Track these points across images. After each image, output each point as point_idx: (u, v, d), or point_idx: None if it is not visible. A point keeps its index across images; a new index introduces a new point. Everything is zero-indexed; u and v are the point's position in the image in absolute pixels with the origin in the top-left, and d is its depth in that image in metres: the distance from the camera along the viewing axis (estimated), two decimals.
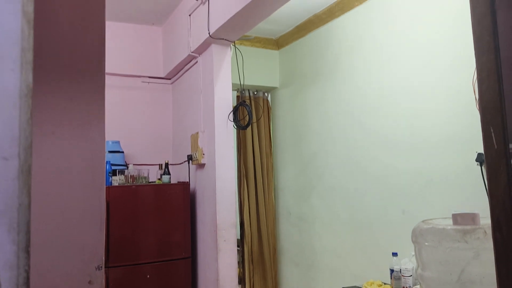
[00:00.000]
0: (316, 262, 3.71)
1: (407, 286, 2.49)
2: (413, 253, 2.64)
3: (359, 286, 2.78)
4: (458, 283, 1.06)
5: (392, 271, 2.59)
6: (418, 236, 1.17)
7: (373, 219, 3.07)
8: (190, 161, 3.43)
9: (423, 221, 1.20)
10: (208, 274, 3.05)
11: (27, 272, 0.53)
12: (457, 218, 1.10)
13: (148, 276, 2.98)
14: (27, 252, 0.54)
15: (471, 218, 1.08)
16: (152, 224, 3.08)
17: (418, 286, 2.47)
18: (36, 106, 1.36)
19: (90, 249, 1.34)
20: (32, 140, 1.34)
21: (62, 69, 1.39)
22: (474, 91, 2.40)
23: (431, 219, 1.22)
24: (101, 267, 1.38)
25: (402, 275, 2.51)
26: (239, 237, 4.12)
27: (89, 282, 1.37)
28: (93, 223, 1.35)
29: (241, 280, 4.29)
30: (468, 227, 1.05)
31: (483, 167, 2.30)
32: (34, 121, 1.34)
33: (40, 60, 1.34)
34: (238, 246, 4.40)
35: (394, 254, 2.66)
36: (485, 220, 1.12)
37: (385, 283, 2.66)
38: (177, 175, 3.81)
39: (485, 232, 1.01)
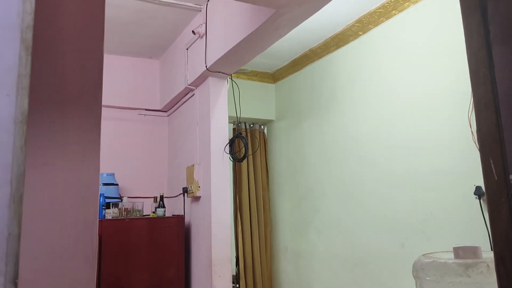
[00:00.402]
0: None
1: None
2: None
3: None
4: None
5: None
6: (419, 270, 1.14)
7: (372, 254, 3.01)
8: (186, 194, 3.40)
9: (423, 255, 1.18)
10: None
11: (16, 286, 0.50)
12: (459, 252, 1.07)
13: None
14: (15, 284, 0.51)
15: (472, 251, 1.06)
16: (145, 259, 3.01)
17: None
18: (29, 136, 1.35)
19: (81, 286, 1.29)
20: (27, 172, 1.31)
21: (58, 100, 1.38)
22: (470, 125, 2.41)
23: (431, 253, 1.20)
24: None
25: None
26: (234, 273, 4.03)
27: None
28: (84, 260, 1.31)
29: None
30: (470, 260, 1.03)
31: (481, 200, 2.28)
32: (26, 151, 1.32)
33: (37, 89, 1.33)
34: (233, 283, 4.29)
35: None
36: (487, 253, 1.09)
37: None
38: (172, 208, 3.75)
39: (488, 266, 0.99)
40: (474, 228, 2.31)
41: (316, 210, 3.66)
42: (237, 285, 4.03)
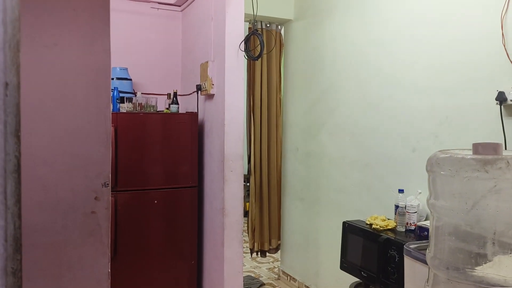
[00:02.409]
0: (321, 198, 3.75)
1: (411, 222, 2.51)
2: (420, 190, 2.65)
3: (363, 220, 2.81)
4: (472, 213, 1.04)
5: (397, 207, 2.61)
6: (434, 165, 1.13)
7: (382, 157, 3.04)
8: (199, 92, 3.37)
9: (440, 151, 1.16)
10: (214, 204, 3.10)
11: (18, 159, 0.49)
12: (478, 148, 1.05)
13: (155, 202, 3.03)
14: (17, 137, 0.50)
15: (493, 148, 1.03)
16: (160, 152, 3.09)
17: (423, 221, 2.49)
18: (37, 16, 1.29)
19: (96, 166, 1.32)
20: (35, 51, 1.27)
21: None
22: (502, 26, 2.26)
23: (448, 149, 1.18)
24: (108, 184, 1.38)
25: (407, 211, 2.53)
26: (246, 172, 4.16)
27: (96, 198, 1.36)
28: (98, 141, 1.33)
29: (246, 213, 4.39)
30: (490, 157, 1.01)
31: (502, 106, 2.22)
32: (35, 31, 1.26)
33: None
34: (244, 181, 4.46)
35: (400, 191, 2.66)
36: (508, 152, 1.07)
37: (389, 219, 2.69)
38: (185, 105, 3.76)
39: (508, 162, 0.97)
40: (490, 134, 2.28)
41: (330, 113, 3.64)
42: (248, 184, 4.19)
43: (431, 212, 1.19)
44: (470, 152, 1.08)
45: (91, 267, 1.47)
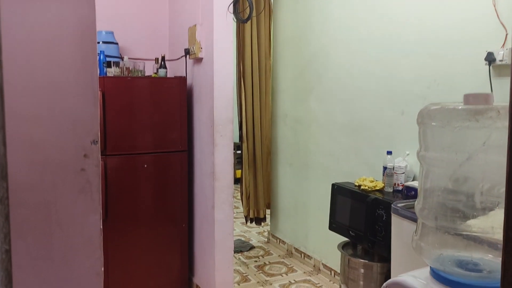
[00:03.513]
0: (310, 162, 3.78)
1: (399, 182, 2.55)
2: (408, 152, 2.68)
3: (352, 182, 2.85)
4: (462, 164, 1.05)
5: (385, 168, 2.64)
6: (425, 116, 1.13)
7: (371, 120, 3.06)
8: (188, 56, 3.31)
9: (431, 103, 1.16)
10: (204, 168, 3.10)
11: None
12: (469, 98, 1.05)
13: (145, 166, 3.03)
14: (0, 90, 0.48)
15: (484, 98, 1.04)
16: (149, 117, 3.06)
17: (411, 182, 2.54)
18: None
19: (84, 124, 1.30)
20: (17, 5, 1.22)
21: None
22: None
23: (439, 102, 1.18)
24: (97, 142, 1.36)
25: (395, 172, 2.57)
26: (237, 140, 4.15)
27: (84, 156, 1.35)
28: (86, 98, 1.30)
29: (237, 181, 4.41)
30: (481, 106, 1.02)
31: (491, 66, 2.22)
32: None
33: None
34: (236, 149, 4.45)
35: (389, 153, 2.69)
36: (499, 103, 1.08)
37: (377, 180, 2.72)
38: (173, 71, 3.70)
39: (499, 111, 0.98)
40: None
41: (319, 78, 3.62)
42: (240, 151, 4.18)
43: (421, 164, 1.20)
44: (462, 104, 1.09)
45: (83, 224, 1.46)
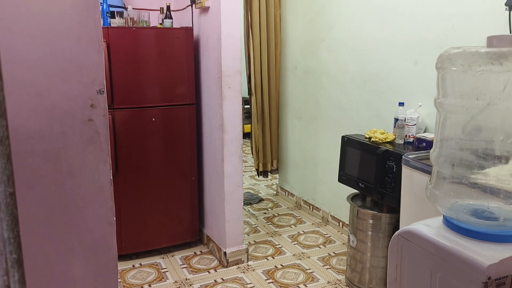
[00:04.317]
0: (320, 115, 3.73)
1: (410, 134, 2.51)
2: (420, 103, 2.62)
3: (362, 134, 2.82)
4: (483, 109, 1.01)
5: (396, 120, 2.60)
6: (445, 61, 1.08)
7: (383, 71, 2.97)
8: (193, 5, 3.20)
9: (451, 47, 1.10)
10: (212, 121, 3.07)
11: None
12: (493, 41, 0.99)
13: (153, 119, 3.00)
14: None
15: (509, 40, 0.98)
16: (155, 69, 3.00)
17: (422, 134, 2.50)
18: None
19: (90, 72, 1.26)
20: None
21: None
22: None
23: (460, 46, 1.12)
24: (103, 91, 1.32)
25: (406, 124, 2.52)
26: (245, 95, 4.09)
27: (92, 106, 1.32)
28: (90, 45, 1.25)
29: (248, 135, 4.38)
30: (505, 49, 0.96)
31: (511, 12, 2.11)
32: None
33: None
34: (246, 103, 4.39)
35: (401, 104, 2.63)
36: None
37: (388, 132, 2.69)
38: (179, 21, 3.59)
39: None
40: None
41: (329, 28, 3.50)
42: (248, 105, 4.12)
43: (438, 111, 1.16)
44: (485, 47, 1.03)
45: (93, 173, 1.46)
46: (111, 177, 1.44)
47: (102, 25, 2.93)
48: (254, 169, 4.26)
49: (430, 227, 1.13)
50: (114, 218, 1.47)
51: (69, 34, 1.30)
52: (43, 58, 1.28)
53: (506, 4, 2.13)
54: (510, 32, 2.14)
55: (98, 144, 1.39)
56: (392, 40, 2.88)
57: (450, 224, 1.11)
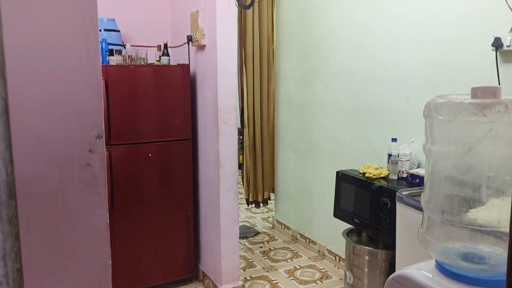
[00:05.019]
0: (315, 148, 3.78)
1: (404, 170, 2.55)
2: (413, 139, 2.66)
3: (356, 169, 2.85)
4: (468, 157, 1.04)
5: (390, 155, 2.64)
6: (431, 109, 1.12)
7: (376, 106, 3.04)
8: (190, 43, 3.28)
9: (438, 96, 1.15)
10: (209, 156, 3.10)
11: (5, 101, 0.47)
12: (477, 92, 1.04)
13: (150, 155, 3.03)
14: (3, 78, 0.47)
15: (492, 92, 1.02)
16: (153, 105, 3.05)
17: (416, 169, 2.53)
18: None
19: (89, 116, 1.29)
20: None
21: None
22: None
23: (446, 94, 1.17)
24: (101, 136, 1.36)
25: (400, 160, 2.56)
26: (239, 125, 4.14)
27: (90, 151, 1.35)
28: (89, 90, 1.29)
29: (241, 166, 4.42)
30: (489, 100, 1.00)
31: (498, 52, 2.19)
32: None
33: None
34: (238, 134, 4.45)
35: (394, 140, 2.68)
36: (507, 96, 1.06)
37: (381, 167, 2.72)
38: (176, 57, 3.68)
39: (506, 105, 0.96)
40: (485, 81, 2.27)
41: (324, 62, 3.59)
42: (241, 136, 4.18)
43: (427, 157, 1.20)
44: (469, 97, 1.07)
45: (90, 217, 1.48)
46: (108, 221, 1.46)
47: (101, 63, 2.99)
48: (245, 199, 4.27)
49: (422, 272, 1.14)
50: (110, 262, 1.48)
51: (70, 80, 1.34)
52: (44, 104, 1.32)
53: (492, 45, 2.21)
54: (498, 71, 2.21)
55: (96, 188, 1.41)
56: (384, 76, 2.95)
57: (442, 269, 1.13)
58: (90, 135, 1.41)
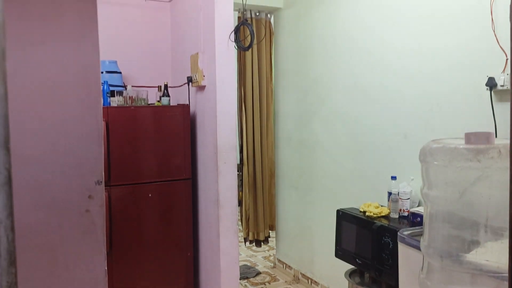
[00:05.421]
0: (315, 186, 3.77)
1: (404, 208, 2.54)
2: (412, 177, 2.67)
3: (356, 207, 2.84)
4: (465, 201, 1.05)
5: (390, 194, 2.63)
6: (427, 155, 1.14)
7: (374, 144, 3.06)
8: (190, 83, 3.35)
9: (433, 140, 1.17)
10: (208, 195, 3.10)
11: (8, 171, 0.48)
12: (471, 137, 1.06)
13: (149, 195, 3.03)
14: (7, 149, 0.49)
15: (485, 137, 1.04)
16: (153, 146, 3.07)
17: (416, 208, 2.52)
18: (23, 14, 1.26)
19: (89, 164, 1.31)
20: (21, 51, 1.25)
21: None
22: (491, 11, 2.26)
23: (441, 139, 1.18)
24: (101, 182, 1.37)
25: (400, 198, 2.55)
26: (238, 162, 4.16)
27: (89, 197, 1.36)
28: (90, 138, 1.32)
29: (240, 203, 4.40)
30: (482, 146, 1.02)
31: (492, 92, 2.23)
32: (21, 30, 1.24)
33: None
34: (238, 171, 4.45)
35: (393, 178, 2.68)
36: (500, 140, 1.08)
37: (382, 206, 2.71)
38: (176, 97, 3.74)
39: (500, 151, 0.98)
40: (482, 120, 2.30)
41: (322, 101, 3.64)
42: (240, 172, 4.18)
43: (424, 201, 1.20)
44: (463, 141, 1.09)
45: (88, 265, 1.47)
46: (106, 268, 1.45)
47: (102, 105, 3.04)
48: (243, 237, 4.20)
49: None
50: None
51: (72, 130, 1.36)
52: (46, 154, 1.33)
53: (486, 85, 2.25)
54: (493, 110, 2.24)
55: (94, 235, 1.41)
56: (380, 114, 2.99)
57: None
58: (90, 181, 1.42)
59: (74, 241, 1.44)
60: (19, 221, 1.36)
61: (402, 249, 2.11)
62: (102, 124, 1.40)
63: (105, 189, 2.68)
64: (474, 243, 1.14)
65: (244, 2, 3.13)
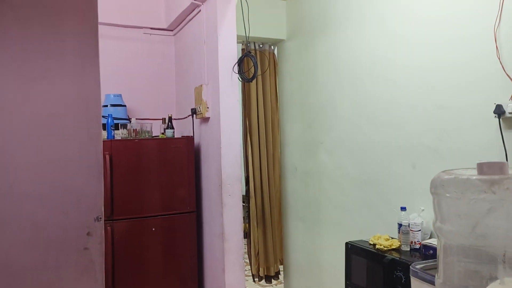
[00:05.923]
0: (323, 217, 3.69)
1: (416, 240, 2.45)
2: (422, 208, 2.59)
3: (366, 240, 2.75)
4: (480, 236, 0.99)
5: (400, 225, 2.55)
6: (438, 186, 1.09)
7: (382, 174, 3.00)
8: (194, 115, 3.35)
9: (443, 171, 1.12)
10: (213, 229, 3.03)
11: None
12: (483, 168, 1.01)
13: (153, 229, 2.97)
14: None
15: (499, 167, 0.99)
16: (156, 178, 3.04)
17: (428, 240, 2.44)
18: (25, 48, 1.26)
19: (88, 200, 1.27)
20: (22, 85, 1.23)
21: (51, 9, 1.27)
22: (496, 39, 2.25)
23: (452, 170, 1.14)
24: (100, 218, 1.33)
25: (411, 230, 2.47)
26: (244, 193, 4.09)
27: (88, 234, 1.31)
28: (90, 173, 1.28)
29: (247, 235, 4.30)
30: (496, 177, 0.97)
31: (501, 119, 2.19)
32: (23, 64, 1.23)
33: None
34: (243, 202, 4.38)
35: (403, 209, 2.61)
36: None
37: (392, 238, 2.63)
38: (181, 129, 3.73)
39: None
40: (491, 148, 2.25)
41: (327, 131, 3.61)
42: (247, 204, 4.11)
43: (437, 235, 1.14)
44: (475, 172, 1.04)
45: None
46: None
47: (106, 138, 3.03)
48: (251, 273, 4.06)
49: None
50: None
51: (71, 165, 1.33)
52: (44, 190, 1.30)
53: (494, 112, 2.21)
54: (502, 138, 2.19)
55: (93, 274, 1.36)
56: (388, 144, 2.95)
57: None
58: (89, 218, 1.38)
59: (72, 280, 1.38)
60: (14, 260, 1.31)
61: (415, 283, 2.02)
62: (102, 159, 1.37)
63: (108, 223, 2.62)
64: (492, 280, 1.07)
65: (247, 35, 3.16)
